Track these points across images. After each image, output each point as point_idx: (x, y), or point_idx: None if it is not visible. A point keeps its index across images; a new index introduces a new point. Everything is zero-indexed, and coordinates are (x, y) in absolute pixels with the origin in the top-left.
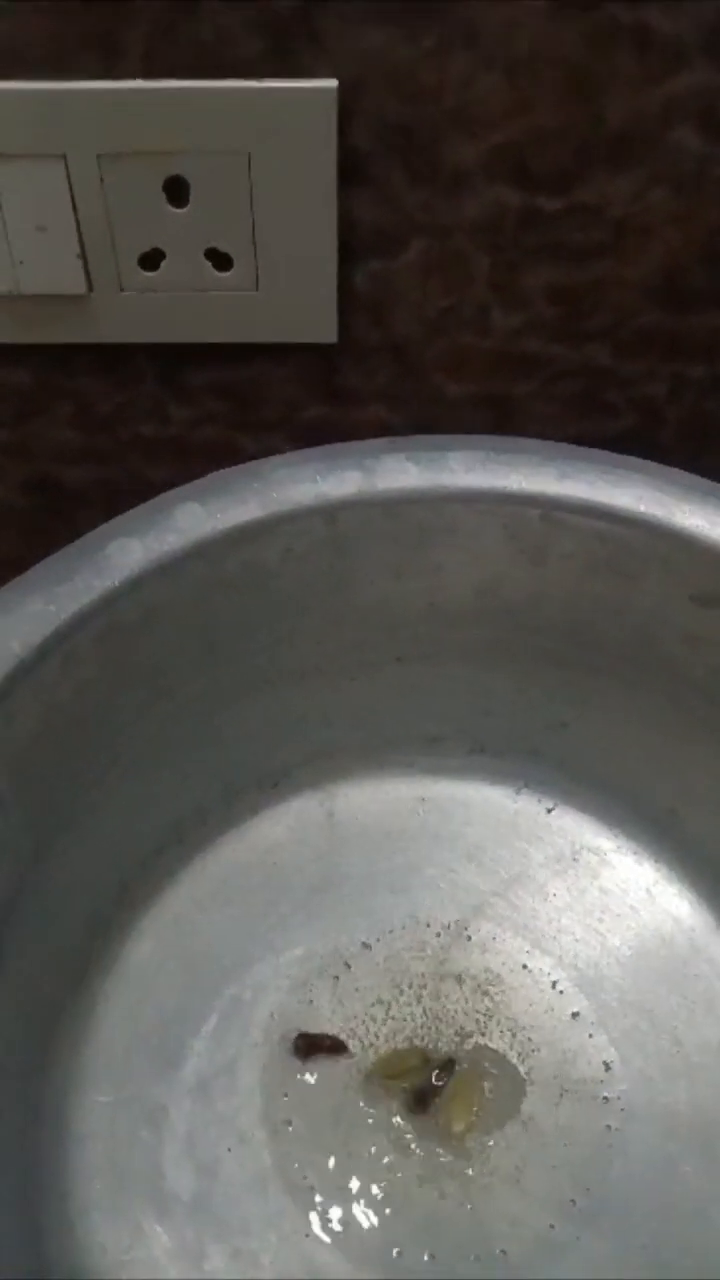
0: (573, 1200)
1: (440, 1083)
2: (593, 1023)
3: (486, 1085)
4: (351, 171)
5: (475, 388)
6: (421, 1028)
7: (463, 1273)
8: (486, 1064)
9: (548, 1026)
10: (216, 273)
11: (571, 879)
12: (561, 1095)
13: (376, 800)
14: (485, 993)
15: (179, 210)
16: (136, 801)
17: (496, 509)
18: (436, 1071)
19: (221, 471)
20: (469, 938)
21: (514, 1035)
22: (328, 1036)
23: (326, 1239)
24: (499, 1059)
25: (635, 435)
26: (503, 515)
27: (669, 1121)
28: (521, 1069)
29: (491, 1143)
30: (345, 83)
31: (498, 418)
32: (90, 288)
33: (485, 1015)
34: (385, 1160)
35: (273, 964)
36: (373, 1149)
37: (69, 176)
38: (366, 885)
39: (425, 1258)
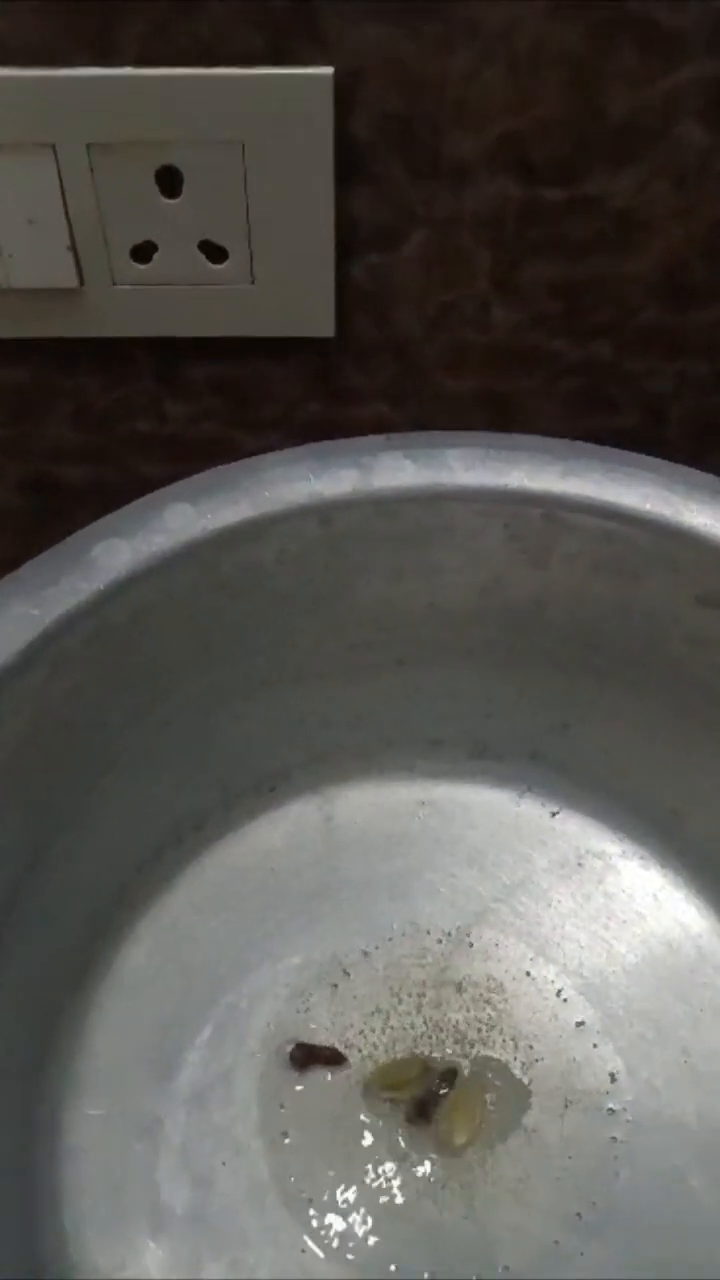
0: (578, 1214)
1: (441, 1093)
2: (598, 1032)
3: (489, 1096)
4: (351, 164)
5: (476, 384)
6: (422, 1037)
7: None
8: (489, 1074)
9: (552, 1036)
10: (211, 265)
11: (576, 884)
12: (566, 1106)
13: (376, 804)
14: (487, 1001)
15: (172, 201)
16: (133, 805)
17: (497, 508)
18: (437, 1082)
19: (213, 470)
20: (470, 945)
21: (517, 1045)
22: (326, 1047)
23: (323, 1253)
24: (501, 1069)
25: (639, 432)
26: (503, 514)
27: (676, 1133)
28: (524, 1079)
29: (494, 1155)
30: (345, 73)
31: (500, 415)
32: (82, 281)
33: (487, 1024)
34: (384, 1172)
35: (270, 971)
36: (372, 1161)
37: (58, 167)
38: (366, 891)
39: (425, 1274)
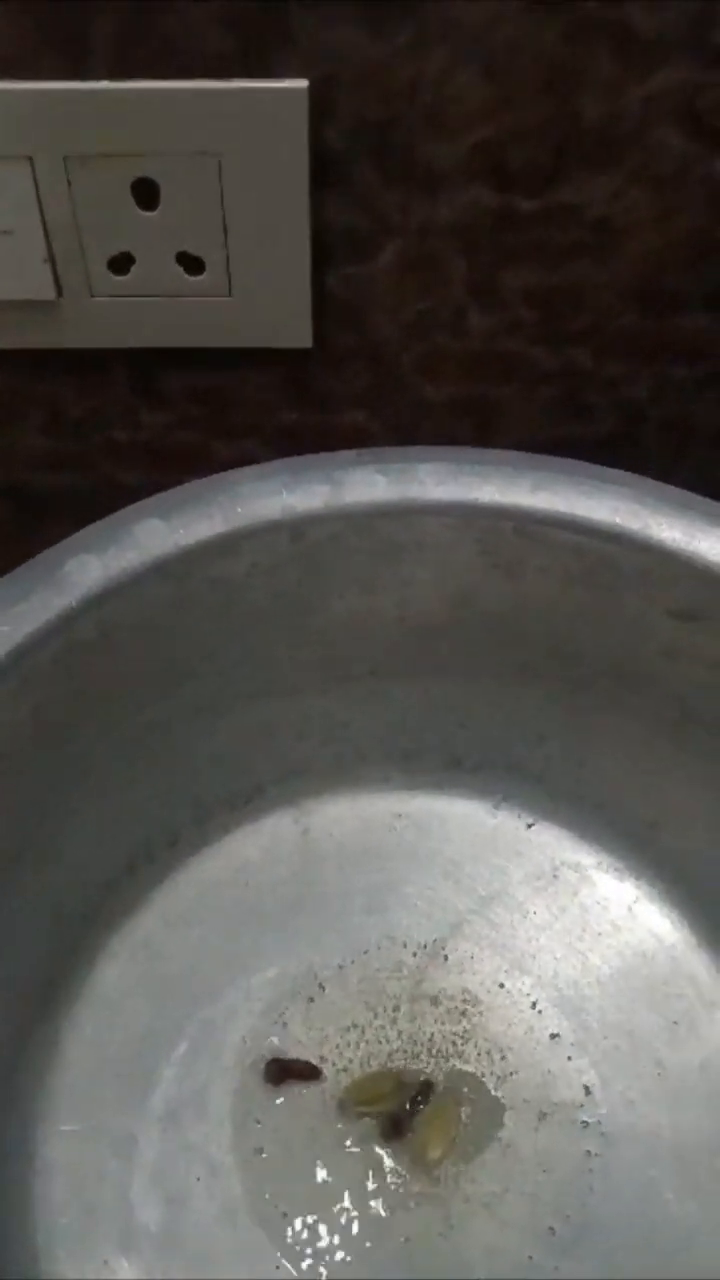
0: (551, 1228)
1: (416, 1108)
2: (572, 1044)
3: (463, 1110)
4: (325, 172)
5: (454, 391)
6: (397, 1051)
7: None
8: (464, 1088)
9: (526, 1048)
10: (188, 277)
11: (551, 896)
12: (540, 1120)
13: (351, 817)
14: (463, 1014)
15: (149, 213)
16: (105, 820)
17: (468, 522)
18: (413, 1096)
19: (185, 485)
20: (446, 957)
21: (492, 1058)
22: (301, 1061)
23: (297, 1271)
24: (476, 1083)
25: (617, 438)
26: (475, 528)
27: (650, 1146)
28: (499, 1093)
29: (469, 1169)
30: (318, 81)
31: (478, 422)
32: (60, 293)
33: (462, 1037)
34: (359, 1189)
35: (245, 986)
36: (346, 1177)
37: (35, 179)
38: (341, 904)
39: None
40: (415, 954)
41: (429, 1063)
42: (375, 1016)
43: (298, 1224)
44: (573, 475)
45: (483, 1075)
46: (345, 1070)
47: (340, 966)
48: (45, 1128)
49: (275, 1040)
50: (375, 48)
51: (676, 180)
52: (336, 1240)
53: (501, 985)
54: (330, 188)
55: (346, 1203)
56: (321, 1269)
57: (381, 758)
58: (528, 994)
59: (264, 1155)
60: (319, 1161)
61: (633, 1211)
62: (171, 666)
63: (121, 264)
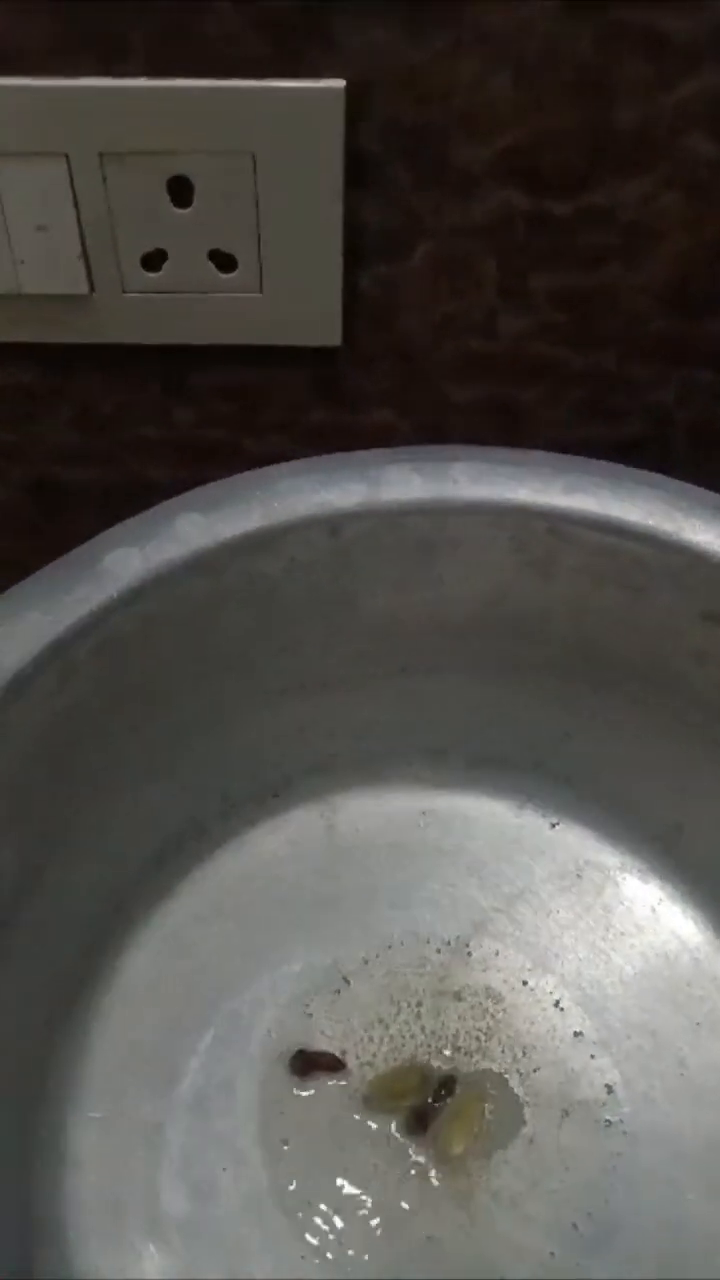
0: (574, 1225)
1: (439, 1103)
2: (595, 1043)
3: (487, 1106)
4: (358, 173)
5: (482, 393)
6: (421, 1046)
7: None
8: (487, 1084)
9: (549, 1046)
10: (220, 274)
11: (575, 895)
12: (563, 1117)
13: (378, 813)
14: (486, 1011)
15: (182, 211)
16: (135, 813)
17: (502, 521)
18: (436, 1091)
19: (223, 480)
20: (470, 954)
21: (515, 1055)
22: (326, 1054)
23: (322, 1262)
24: (499, 1080)
25: (644, 441)
26: (508, 527)
27: (673, 1146)
28: (521, 1090)
29: (491, 1165)
30: (353, 84)
31: (505, 423)
32: (92, 288)
33: (485, 1034)
34: (383, 1182)
35: (270, 980)
36: (371, 1170)
37: (71, 175)
38: (366, 900)
39: None
40: (439, 950)
41: (452, 1058)
42: (399, 1011)
43: (321, 1215)
44: (606, 476)
45: (505, 1072)
46: (369, 1064)
47: (365, 961)
48: (75, 1117)
49: (301, 1033)
50: (412, 51)
51: (707, 185)
52: (360, 1232)
53: (525, 983)
54: (363, 188)
55: (370, 1195)
56: (345, 1261)
57: (409, 755)
58: (551, 992)
59: (289, 1146)
60: (343, 1153)
61: (656, 1210)
62: (206, 660)
63: (154, 260)
